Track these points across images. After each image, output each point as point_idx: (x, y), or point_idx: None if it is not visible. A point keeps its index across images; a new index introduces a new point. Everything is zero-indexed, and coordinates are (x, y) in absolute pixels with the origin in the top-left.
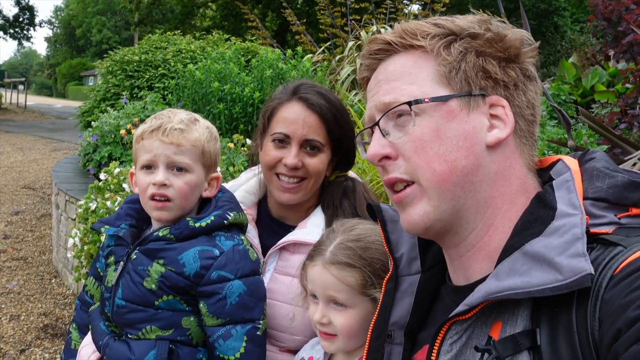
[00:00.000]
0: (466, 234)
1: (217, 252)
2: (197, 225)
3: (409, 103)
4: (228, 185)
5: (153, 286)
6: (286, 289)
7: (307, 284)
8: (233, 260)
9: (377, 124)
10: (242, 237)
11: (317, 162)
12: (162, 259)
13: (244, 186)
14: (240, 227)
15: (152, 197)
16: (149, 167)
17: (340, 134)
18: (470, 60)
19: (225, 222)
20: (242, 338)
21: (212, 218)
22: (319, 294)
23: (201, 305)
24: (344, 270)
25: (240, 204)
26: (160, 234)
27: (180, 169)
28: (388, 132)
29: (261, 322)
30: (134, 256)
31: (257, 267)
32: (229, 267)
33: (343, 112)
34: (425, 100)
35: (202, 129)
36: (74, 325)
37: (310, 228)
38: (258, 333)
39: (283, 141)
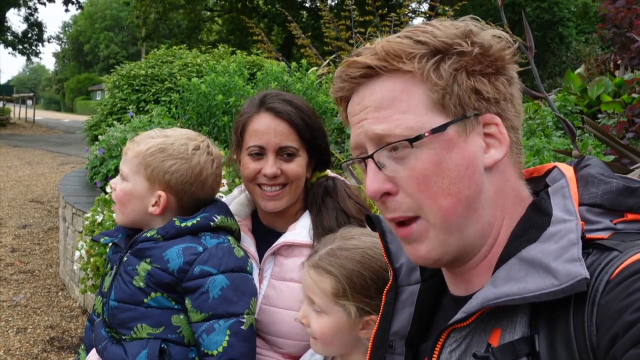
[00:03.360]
0: (470, 257)
1: (200, 248)
2: (182, 225)
3: (410, 140)
4: (223, 200)
5: (141, 284)
6: (283, 294)
7: None
8: (216, 255)
9: (371, 157)
10: (229, 238)
11: (295, 167)
12: (149, 257)
13: (237, 199)
14: (230, 232)
15: None
16: None
17: (311, 136)
18: (462, 82)
19: (212, 224)
20: (225, 332)
21: (198, 219)
22: (303, 294)
23: (187, 301)
24: (320, 275)
25: (236, 217)
26: (148, 234)
27: (123, 177)
28: (383, 164)
29: (245, 316)
30: (125, 259)
31: (243, 265)
32: (211, 262)
33: (311, 115)
34: (426, 134)
35: (153, 144)
36: (82, 347)
37: (300, 230)
38: (242, 327)
39: (259, 153)
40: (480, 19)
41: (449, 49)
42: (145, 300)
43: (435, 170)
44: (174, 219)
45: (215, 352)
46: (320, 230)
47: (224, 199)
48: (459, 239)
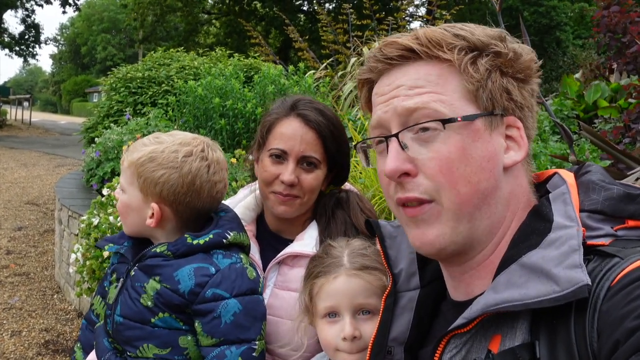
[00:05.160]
0: (475, 253)
1: (213, 269)
2: (194, 242)
3: (443, 121)
4: (226, 203)
5: (149, 303)
6: (287, 304)
7: (320, 302)
8: (229, 278)
9: (396, 135)
10: (241, 256)
11: (312, 179)
12: (158, 276)
13: (242, 202)
14: (242, 248)
15: None
16: None
17: (336, 150)
18: (496, 80)
19: (225, 241)
20: (237, 359)
21: (211, 236)
22: (344, 307)
23: (196, 324)
24: (372, 274)
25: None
26: (158, 250)
27: (122, 188)
28: (407, 145)
29: (257, 342)
30: (133, 273)
31: (255, 287)
32: (224, 285)
33: (340, 129)
34: (458, 119)
35: (144, 153)
36: (78, 345)
37: (308, 240)
38: (254, 354)
39: (280, 157)
40: (508, 33)
41: (485, 48)
42: (153, 320)
43: (459, 156)
44: (185, 235)
45: None
46: None
47: (229, 203)
48: (468, 230)
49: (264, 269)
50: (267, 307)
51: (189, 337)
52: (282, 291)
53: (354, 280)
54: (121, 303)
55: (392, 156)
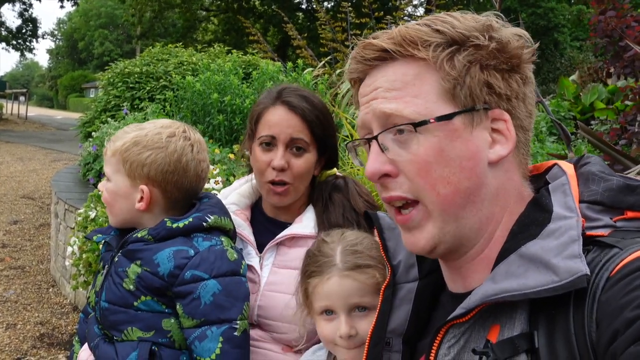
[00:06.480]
0: (467, 249)
1: (192, 252)
2: (174, 226)
3: (414, 124)
4: (222, 193)
5: (131, 287)
6: (287, 279)
7: (316, 302)
8: (208, 259)
9: (375, 138)
10: (222, 239)
11: (302, 163)
12: (140, 260)
13: (238, 190)
14: (224, 232)
15: None
16: None
17: (323, 134)
18: (475, 75)
19: (205, 224)
20: (218, 339)
21: (191, 219)
22: (339, 306)
23: (177, 306)
24: (365, 272)
25: (235, 206)
26: (139, 235)
27: (107, 178)
28: (387, 147)
29: (239, 322)
30: (116, 259)
31: (237, 268)
32: (203, 267)
33: (325, 113)
34: (431, 121)
35: (127, 139)
36: (76, 339)
37: (306, 222)
38: (235, 334)
39: (270, 143)
40: (502, 16)
41: (465, 41)
42: (135, 303)
43: (436, 157)
44: (165, 219)
45: None
46: (327, 226)
47: (223, 192)
48: (455, 229)
49: (259, 250)
50: (267, 284)
51: (172, 320)
52: (281, 269)
53: (346, 281)
54: (106, 289)
55: (371, 158)
